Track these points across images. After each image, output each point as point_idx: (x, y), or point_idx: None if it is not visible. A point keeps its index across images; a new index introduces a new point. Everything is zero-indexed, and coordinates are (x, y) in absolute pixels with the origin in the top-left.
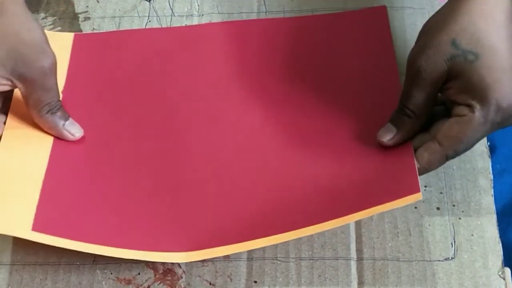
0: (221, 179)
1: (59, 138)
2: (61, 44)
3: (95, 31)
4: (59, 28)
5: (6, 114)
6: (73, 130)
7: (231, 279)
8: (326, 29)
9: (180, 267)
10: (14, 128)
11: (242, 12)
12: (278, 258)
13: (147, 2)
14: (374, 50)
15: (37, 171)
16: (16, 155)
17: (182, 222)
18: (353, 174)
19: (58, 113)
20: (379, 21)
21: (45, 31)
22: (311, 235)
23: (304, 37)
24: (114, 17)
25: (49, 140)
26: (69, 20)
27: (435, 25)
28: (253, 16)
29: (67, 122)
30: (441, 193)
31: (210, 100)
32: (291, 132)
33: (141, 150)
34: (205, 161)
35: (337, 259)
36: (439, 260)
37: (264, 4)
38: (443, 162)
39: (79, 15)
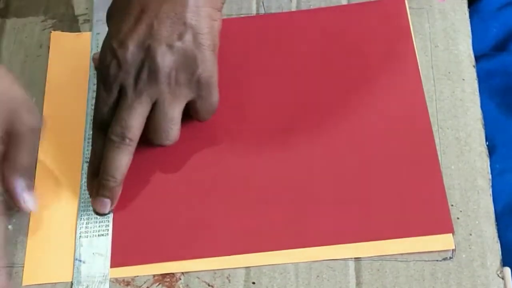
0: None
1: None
2: None
3: None
4: (59, 31)
5: None
6: (31, 203)
7: (229, 280)
8: (343, 20)
9: None
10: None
11: (241, 14)
12: None
13: None
14: (394, 44)
15: None
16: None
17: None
18: (379, 199)
19: (27, 178)
20: (398, 13)
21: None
22: None
23: (320, 30)
24: None
25: None
26: (68, 22)
27: None
28: None
29: (28, 191)
30: None
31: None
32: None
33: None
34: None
35: (335, 260)
36: (437, 260)
37: (263, 5)
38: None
39: (79, 18)
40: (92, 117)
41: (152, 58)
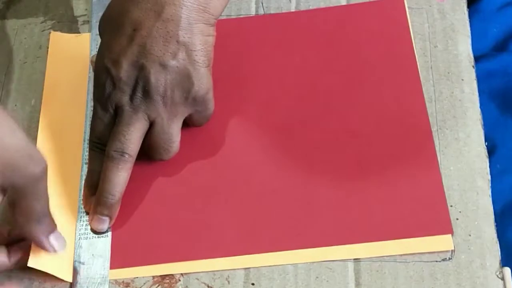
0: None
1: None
2: None
3: None
4: (58, 32)
5: None
6: (57, 243)
7: (228, 282)
8: (342, 20)
9: None
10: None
11: (240, 14)
12: None
13: None
14: (393, 44)
15: None
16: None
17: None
18: (379, 200)
19: (46, 222)
20: (397, 13)
21: None
22: None
23: (320, 31)
24: None
25: None
26: (68, 23)
27: None
28: None
29: (52, 234)
30: None
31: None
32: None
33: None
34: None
35: (334, 261)
36: (436, 261)
37: (262, 5)
38: None
39: (78, 19)
40: (87, 122)
41: (146, 78)
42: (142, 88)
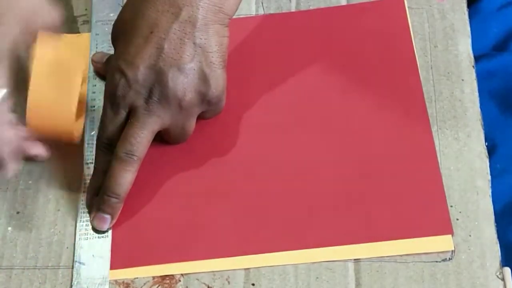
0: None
1: None
2: None
3: None
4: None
5: None
6: None
7: (228, 282)
8: (342, 20)
9: None
10: None
11: (240, 14)
12: None
13: None
14: (393, 44)
15: None
16: None
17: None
18: (380, 201)
19: None
20: (397, 13)
21: None
22: None
23: (320, 31)
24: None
25: None
26: (68, 23)
27: None
28: None
29: None
30: None
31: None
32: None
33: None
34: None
35: (334, 261)
36: (436, 261)
37: (262, 5)
38: None
39: (78, 18)
40: (87, 123)
41: (164, 82)
42: (159, 92)
